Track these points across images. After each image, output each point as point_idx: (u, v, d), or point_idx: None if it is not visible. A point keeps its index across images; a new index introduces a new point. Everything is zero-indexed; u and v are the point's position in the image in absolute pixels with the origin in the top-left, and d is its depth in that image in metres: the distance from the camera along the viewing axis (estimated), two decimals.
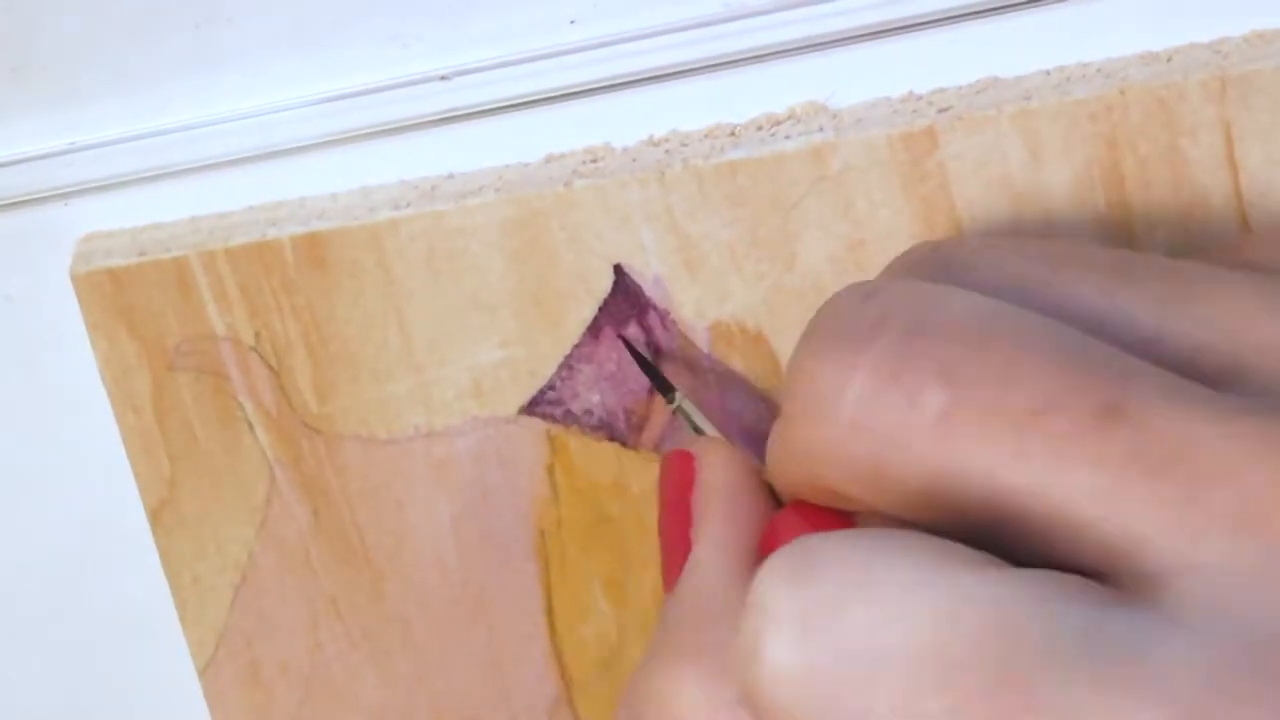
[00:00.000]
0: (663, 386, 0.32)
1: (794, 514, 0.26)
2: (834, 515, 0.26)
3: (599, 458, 0.33)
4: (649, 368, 0.32)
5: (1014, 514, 0.22)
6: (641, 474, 0.33)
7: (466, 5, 0.31)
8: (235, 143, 0.32)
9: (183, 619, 0.34)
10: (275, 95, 0.32)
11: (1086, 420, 0.21)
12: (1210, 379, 0.22)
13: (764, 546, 0.27)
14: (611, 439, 0.33)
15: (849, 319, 0.23)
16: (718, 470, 0.29)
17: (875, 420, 0.22)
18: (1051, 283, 0.24)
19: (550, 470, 0.33)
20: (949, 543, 0.21)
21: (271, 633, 0.34)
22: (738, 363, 0.32)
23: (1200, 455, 0.20)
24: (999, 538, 0.22)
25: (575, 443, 0.33)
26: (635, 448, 0.33)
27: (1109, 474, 0.21)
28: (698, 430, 0.31)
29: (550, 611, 0.34)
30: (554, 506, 0.33)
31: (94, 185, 0.33)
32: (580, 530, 0.33)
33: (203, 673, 0.35)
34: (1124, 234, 0.31)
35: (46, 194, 0.33)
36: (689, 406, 0.31)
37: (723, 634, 0.25)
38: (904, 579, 0.21)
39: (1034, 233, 0.31)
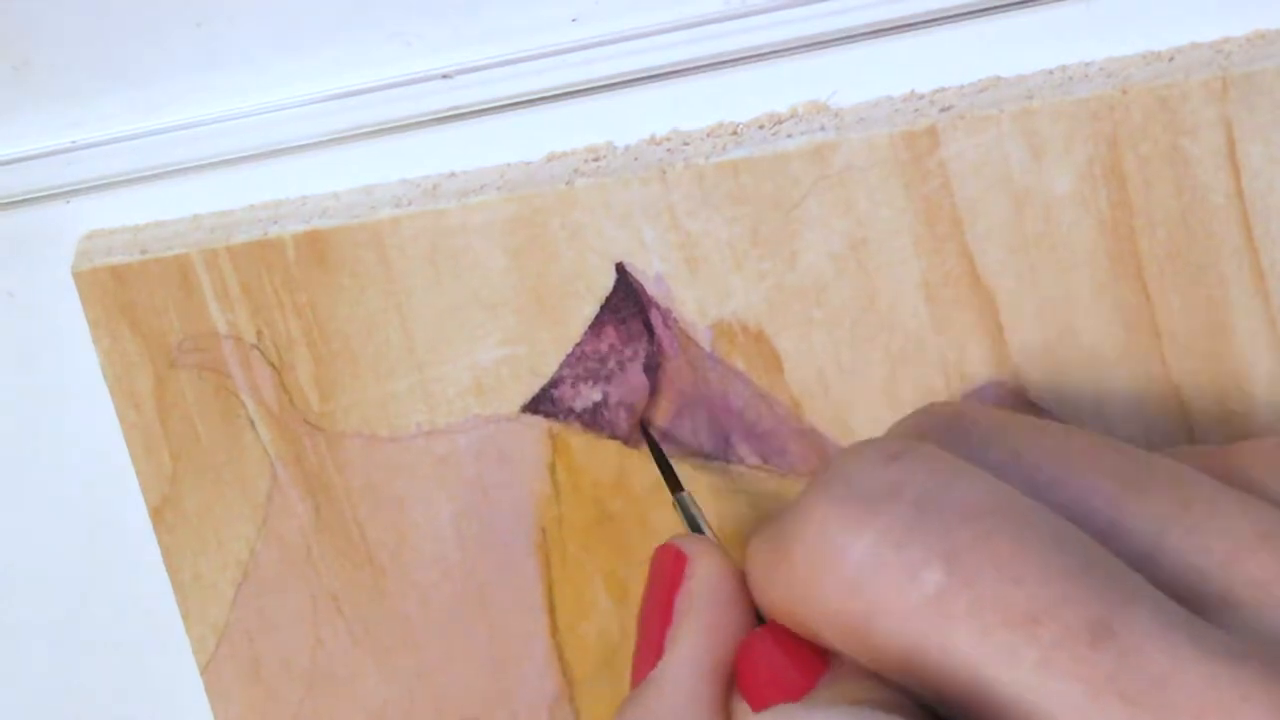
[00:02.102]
0: (673, 482, 0.32)
1: (771, 639, 0.26)
2: (809, 649, 0.26)
3: (601, 455, 0.33)
4: (663, 461, 0.32)
5: (990, 707, 0.22)
6: (643, 472, 0.33)
7: (468, 4, 0.31)
8: (237, 141, 0.32)
9: (184, 616, 0.34)
10: (277, 94, 0.32)
11: (1078, 634, 0.22)
12: (1201, 605, 0.23)
13: (738, 660, 0.27)
14: (613, 437, 0.33)
15: (869, 477, 0.24)
16: (707, 580, 0.28)
17: (874, 584, 0.23)
18: (1063, 481, 0.25)
19: (552, 468, 0.33)
20: None
21: (273, 630, 0.34)
22: (739, 361, 0.32)
23: (1177, 692, 0.21)
24: (969, 717, 0.22)
25: (577, 440, 0.33)
26: (637, 446, 0.33)
27: (1090, 692, 0.21)
28: (694, 527, 0.31)
29: (551, 609, 0.34)
30: (555, 504, 0.33)
31: (96, 183, 0.33)
32: (581, 528, 0.33)
33: (204, 670, 0.35)
34: (1125, 233, 0.31)
35: (48, 192, 0.33)
36: (691, 505, 0.31)
37: None
38: None
39: (1035, 231, 0.31)
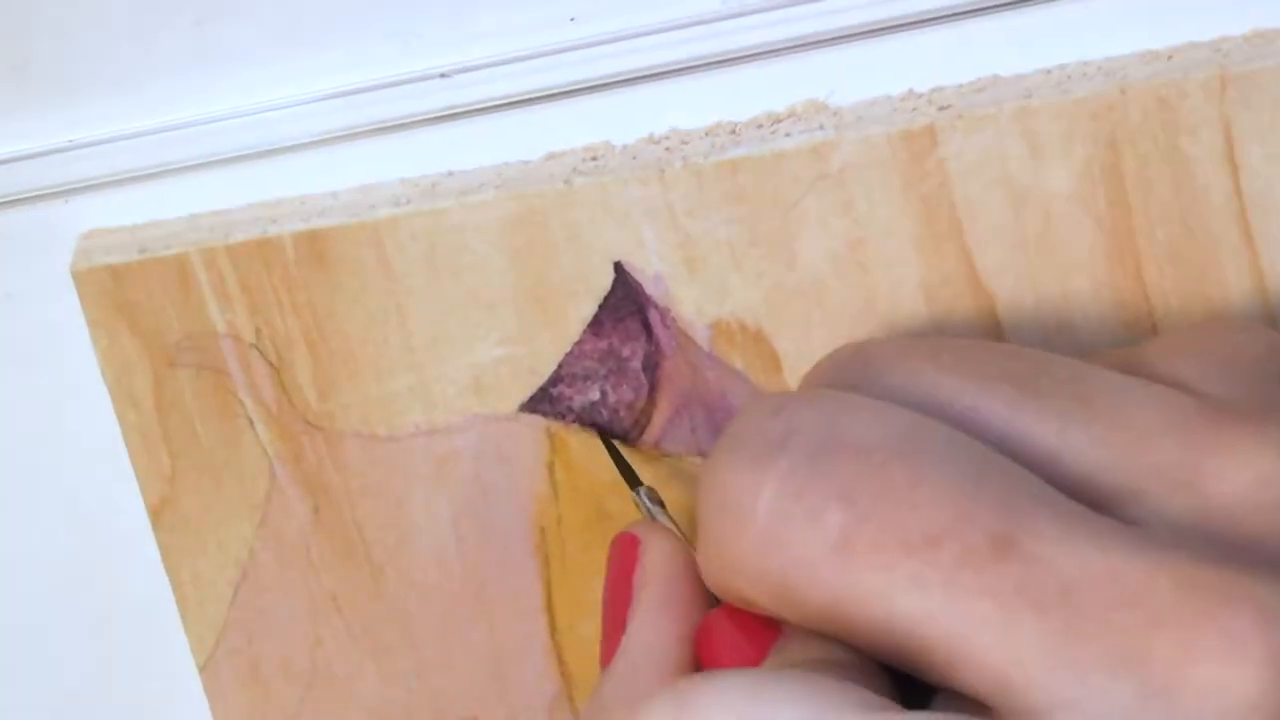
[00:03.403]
0: (630, 479, 0.32)
1: (725, 616, 0.27)
2: (763, 622, 0.26)
3: (599, 455, 0.33)
4: (619, 459, 0.32)
5: (911, 640, 0.22)
6: (641, 472, 0.33)
7: (466, 2, 0.31)
8: (235, 140, 0.32)
9: (183, 616, 0.34)
10: (275, 92, 0.32)
11: (979, 550, 0.21)
12: (1106, 498, 0.23)
13: (697, 643, 0.28)
14: (612, 436, 0.33)
15: (759, 433, 0.24)
16: (659, 558, 0.29)
17: (782, 537, 0.23)
18: (962, 393, 0.24)
19: (550, 468, 0.33)
20: (838, 685, 0.22)
21: (272, 630, 0.34)
22: (738, 361, 0.32)
23: (1084, 592, 0.21)
24: (899, 660, 0.22)
25: (575, 440, 0.33)
26: (635, 445, 0.33)
27: (999, 605, 0.21)
28: (653, 517, 0.31)
29: (550, 609, 0.34)
30: (554, 504, 0.33)
31: (94, 182, 0.33)
32: (580, 527, 0.33)
33: (203, 669, 0.35)
34: (1124, 232, 0.31)
35: (47, 191, 0.33)
36: (648, 500, 0.31)
37: None
38: None
39: (1034, 230, 0.31)
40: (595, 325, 0.32)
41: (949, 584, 0.21)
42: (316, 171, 0.32)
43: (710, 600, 0.28)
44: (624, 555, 0.29)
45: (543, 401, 0.33)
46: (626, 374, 0.33)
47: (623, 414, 0.33)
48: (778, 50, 0.31)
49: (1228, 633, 0.20)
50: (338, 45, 0.32)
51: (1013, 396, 0.24)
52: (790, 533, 0.22)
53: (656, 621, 0.28)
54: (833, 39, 0.31)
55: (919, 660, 0.22)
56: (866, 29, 0.31)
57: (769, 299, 0.32)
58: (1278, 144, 0.30)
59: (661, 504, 0.31)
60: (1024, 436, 0.24)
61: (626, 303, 0.32)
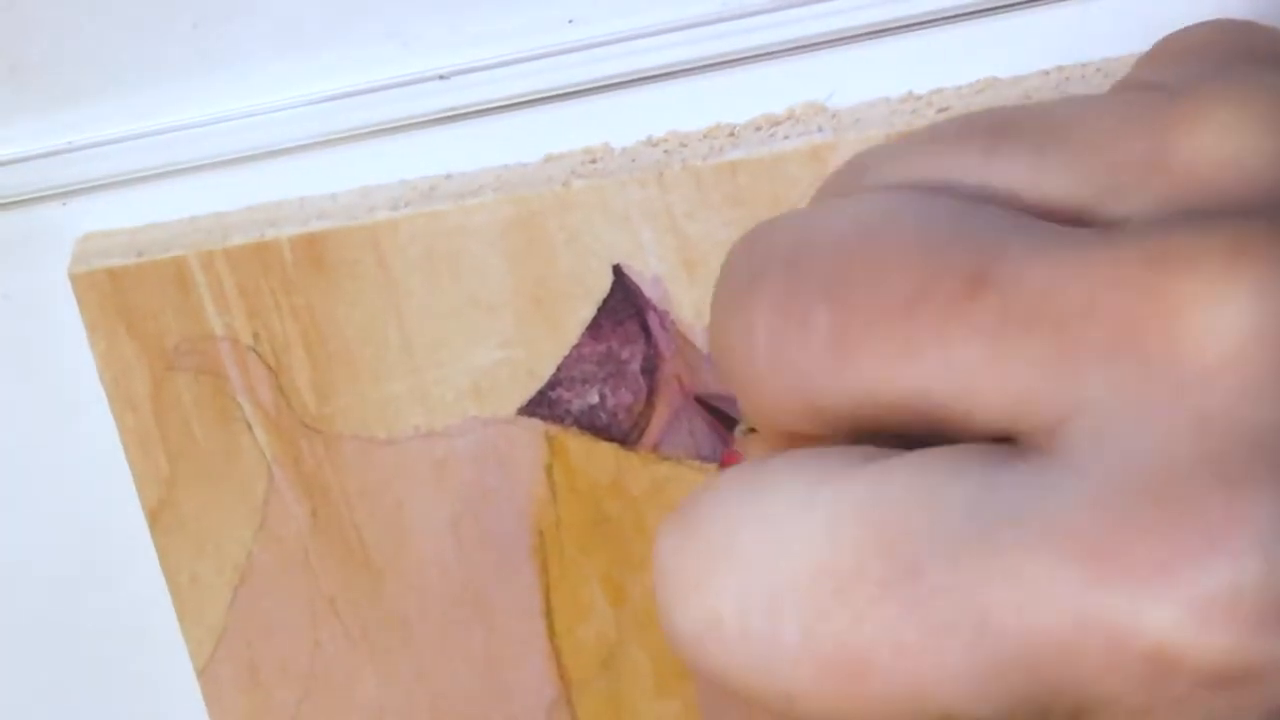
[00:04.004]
0: (728, 422, 0.32)
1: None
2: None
3: (598, 458, 0.33)
4: (714, 411, 0.32)
5: (924, 410, 0.21)
6: (640, 474, 0.33)
7: (465, 4, 0.31)
8: (233, 142, 0.32)
9: (181, 619, 0.34)
10: (273, 95, 0.32)
11: (957, 297, 0.21)
12: (1085, 211, 0.22)
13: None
14: (610, 439, 0.33)
15: (737, 267, 0.23)
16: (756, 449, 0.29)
17: (786, 355, 0.22)
18: (937, 154, 0.24)
19: (549, 471, 0.33)
20: (834, 450, 0.21)
21: (270, 633, 0.34)
22: None
23: (1067, 298, 0.20)
24: (929, 436, 0.22)
25: (574, 443, 0.33)
26: (634, 448, 0.33)
27: (989, 340, 0.20)
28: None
29: (549, 612, 0.34)
30: (553, 507, 0.33)
31: (92, 184, 0.33)
32: (579, 530, 0.33)
33: (201, 673, 0.34)
34: None
35: (44, 193, 0.33)
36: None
37: None
38: (786, 503, 0.21)
39: None
40: (594, 328, 0.32)
41: (939, 339, 0.21)
42: (315, 173, 0.32)
43: None
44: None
45: (541, 404, 0.33)
46: (625, 377, 0.33)
47: (621, 417, 0.33)
48: (777, 52, 0.31)
49: (1208, 277, 0.20)
50: (336, 47, 0.32)
51: (986, 145, 0.24)
52: (790, 348, 0.22)
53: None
54: (832, 41, 0.31)
55: (945, 427, 0.22)
56: (865, 31, 0.31)
57: None
58: None
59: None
60: (999, 181, 0.23)
61: (625, 305, 0.32)
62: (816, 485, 0.21)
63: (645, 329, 0.32)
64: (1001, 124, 0.24)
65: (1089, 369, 0.20)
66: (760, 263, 0.23)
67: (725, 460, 0.27)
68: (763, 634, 0.20)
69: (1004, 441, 0.21)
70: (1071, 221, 0.22)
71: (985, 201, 0.23)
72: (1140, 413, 0.20)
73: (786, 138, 0.31)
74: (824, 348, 0.22)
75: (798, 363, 0.22)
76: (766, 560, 0.21)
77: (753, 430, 0.31)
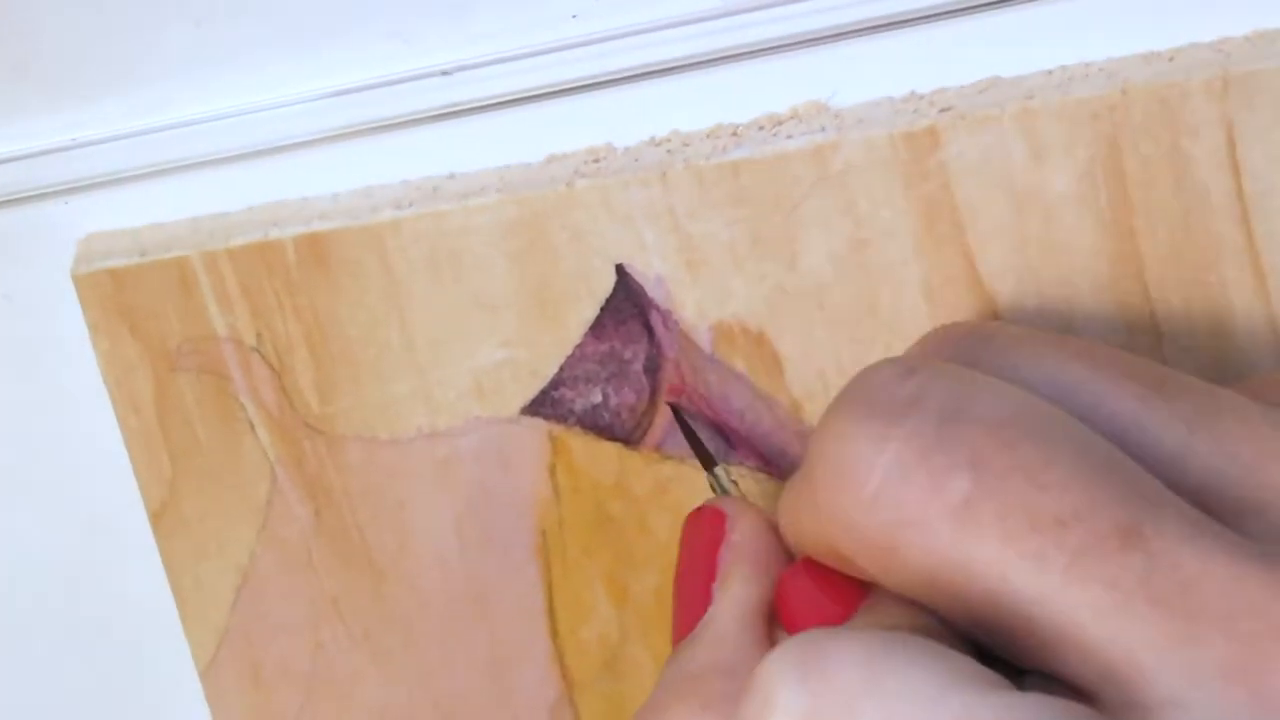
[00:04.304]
0: (706, 459, 0.32)
1: (804, 575, 0.26)
2: (844, 580, 0.26)
3: (601, 458, 0.33)
4: (693, 438, 0.32)
5: (1019, 617, 0.22)
6: (643, 474, 0.33)
7: (467, 1, 0.31)
8: (236, 139, 0.32)
9: (184, 620, 0.34)
10: (276, 92, 0.32)
11: (1107, 538, 0.21)
12: (1226, 510, 0.23)
13: (776, 600, 0.28)
14: (613, 439, 0.33)
15: (887, 392, 0.24)
16: (748, 533, 0.29)
17: (899, 497, 0.23)
18: (1088, 384, 0.24)
19: (552, 470, 0.33)
20: (961, 658, 0.22)
21: (273, 633, 0.34)
22: (739, 363, 0.32)
23: (1207, 595, 0.21)
24: (998, 636, 0.22)
25: (577, 443, 0.33)
26: (637, 448, 0.33)
27: (1119, 596, 0.21)
28: (725, 492, 0.31)
29: (552, 612, 0.34)
30: (556, 507, 0.33)
31: (95, 182, 0.33)
32: (582, 530, 0.33)
33: (204, 673, 0.34)
34: (1125, 232, 0.31)
35: (47, 191, 0.33)
36: (725, 479, 0.31)
37: (734, 686, 0.26)
38: (914, 693, 0.21)
39: (1038, 233, 0.31)
40: (597, 328, 0.32)
41: (1071, 567, 0.21)
42: (318, 170, 0.32)
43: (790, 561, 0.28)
44: (709, 529, 0.29)
45: (544, 404, 0.33)
46: (628, 376, 0.33)
47: (624, 416, 0.33)
48: (780, 47, 0.31)
49: None
50: (338, 44, 0.32)
51: (1141, 393, 0.24)
52: (909, 492, 0.22)
53: (746, 593, 0.28)
54: (834, 35, 0.31)
55: (1018, 638, 0.22)
56: (868, 25, 0.31)
57: (771, 301, 0.32)
58: (1279, 144, 0.30)
59: (736, 484, 0.31)
60: (1150, 436, 0.24)
61: (628, 305, 0.32)
62: (947, 690, 0.21)
63: (648, 328, 0.32)
64: (1158, 377, 0.24)
65: (1205, 676, 0.20)
66: (911, 399, 0.23)
67: (783, 588, 0.27)
68: None
69: (1070, 688, 0.22)
70: (1208, 511, 0.22)
71: (1134, 454, 0.23)
72: None
73: (789, 137, 0.31)
74: (950, 513, 0.22)
75: (909, 510, 0.22)
76: None
77: (730, 478, 0.31)
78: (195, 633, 0.34)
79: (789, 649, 0.22)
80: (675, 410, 0.32)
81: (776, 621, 0.27)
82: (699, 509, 0.30)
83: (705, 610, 0.28)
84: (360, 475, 0.33)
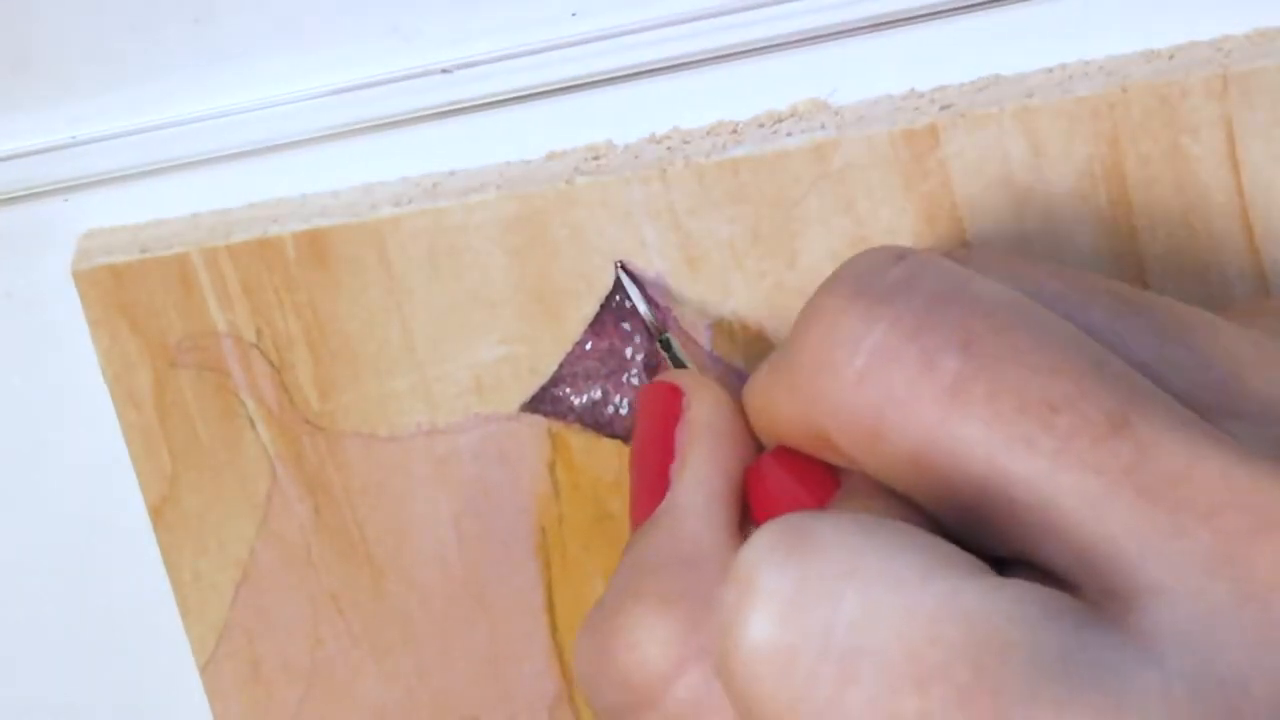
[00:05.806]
0: (655, 325, 0.31)
1: (777, 462, 0.26)
2: (818, 466, 0.25)
3: (600, 454, 0.33)
4: (645, 302, 0.31)
5: (1003, 500, 0.21)
6: None
7: None
8: (236, 136, 0.32)
9: (184, 616, 0.34)
10: (276, 89, 0.32)
11: (1096, 425, 0.21)
12: (1202, 415, 0.23)
13: (747, 489, 0.27)
14: (613, 436, 0.33)
15: (877, 274, 0.23)
16: (707, 408, 0.28)
17: (887, 375, 0.22)
18: (1065, 296, 0.24)
19: (551, 467, 0.33)
20: (942, 543, 0.21)
21: (272, 630, 0.34)
22: (740, 360, 0.32)
23: (1194, 487, 0.21)
24: (980, 520, 0.22)
25: (576, 440, 0.33)
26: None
27: (1106, 483, 0.21)
28: (681, 365, 0.30)
29: (551, 609, 0.34)
30: (555, 503, 0.33)
31: (94, 179, 0.33)
32: (582, 527, 0.33)
33: (203, 670, 0.34)
34: (1125, 231, 0.31)
35: (47, 188, 0.33)
36: (677, 346, 0.31)
37: (700, 582, 0.25)
38: (896, 576, 0.21)
39: (1038, 231, 0.31)
40: (596, 324, 0.32)
41: (1059, 452, 0.21)
42: (318, 167, 0.33)
43: (757, 450, 0.27)
44: (664, 406, 0.28)
45: (544, 401, 0.33)
46: (628, 373, 0.33)
47: (624, 413, 0.33)
48: (780, 45, 0.31)
49: None
50: (338, 42, 0.32)
51: (1115, 306, 0.24)
52: (897, 371, 0.22)
53: (708, 478, 0.27)
54: (835, 33, 0.31)
55: (1001, 523, 0.22)
56: (868, 23, 0.31)
57: (770, 298, 0.32)
58: (1279, 142, 0.30)
59: (684, 353, 0.30)
60: (1124, 347, 0.24)
61: (628, 302, 0.32)
62: (930, 574, 0.21)
63: (648, 326, 0.32)
64: (1129, 292, 0.24)
65: (1188, 567, 0.20)
66: (902, 280, 0.23)
67: (754, 477, 0.26)
68: (828, 687, 0.20)
69: (1050, 576, 0.21)
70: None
71: (1118, 355, 0.23)
72: (1223, 635, 0.20)
73: (789, 134, 0.31)
74: (938, 393, 0.22)
75: (897, 389, 0.22)
76: (858, 621, 0.20)
77: (669, 351, 0.30)
78: (195, 629, 0.34)
79: (772, 530, 0.21)
80: (623, 269, 0.32)
81: (746, 514, 0.27)
82: (652, 383, 0.29)
83: (664, 496, 0.27)
84: (360, 472, 0.33)
